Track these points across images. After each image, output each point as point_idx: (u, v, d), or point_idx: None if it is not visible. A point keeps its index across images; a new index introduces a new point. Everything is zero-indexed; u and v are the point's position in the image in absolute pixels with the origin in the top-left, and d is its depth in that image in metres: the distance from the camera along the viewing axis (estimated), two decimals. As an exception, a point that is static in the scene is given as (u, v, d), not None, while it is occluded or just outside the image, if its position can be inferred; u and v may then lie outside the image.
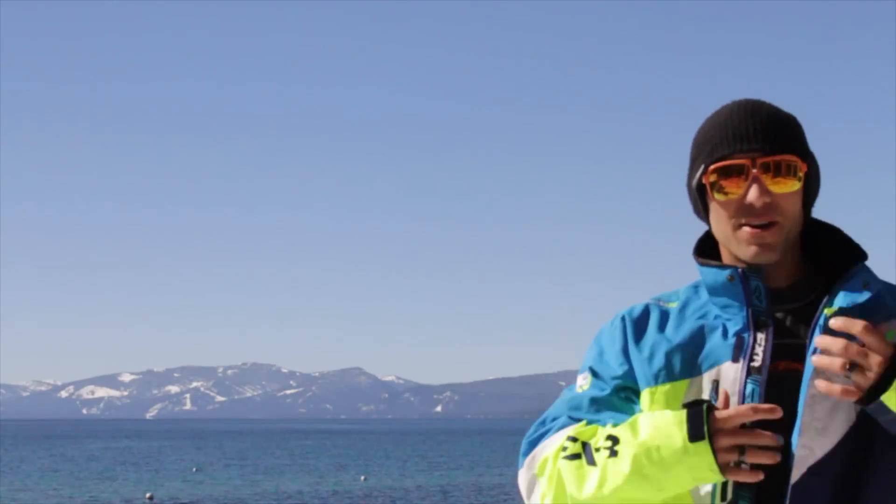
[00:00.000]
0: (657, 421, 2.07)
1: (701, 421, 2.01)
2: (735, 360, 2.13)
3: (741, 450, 2.01)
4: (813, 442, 2.02)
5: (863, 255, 2.17)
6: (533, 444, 2.23)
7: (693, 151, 2.21)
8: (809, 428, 2.03)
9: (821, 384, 1.98)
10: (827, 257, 2.21)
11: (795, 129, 2.17)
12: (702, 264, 2.21)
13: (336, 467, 58.60)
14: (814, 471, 2.02)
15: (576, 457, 2.13)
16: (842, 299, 2.09)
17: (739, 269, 2.14)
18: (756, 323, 2.14)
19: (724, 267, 2.17)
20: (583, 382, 2.27)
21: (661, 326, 2.23)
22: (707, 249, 2.26)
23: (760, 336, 2.13)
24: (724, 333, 2.17)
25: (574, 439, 2.15)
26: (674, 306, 2.25)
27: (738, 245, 2.13)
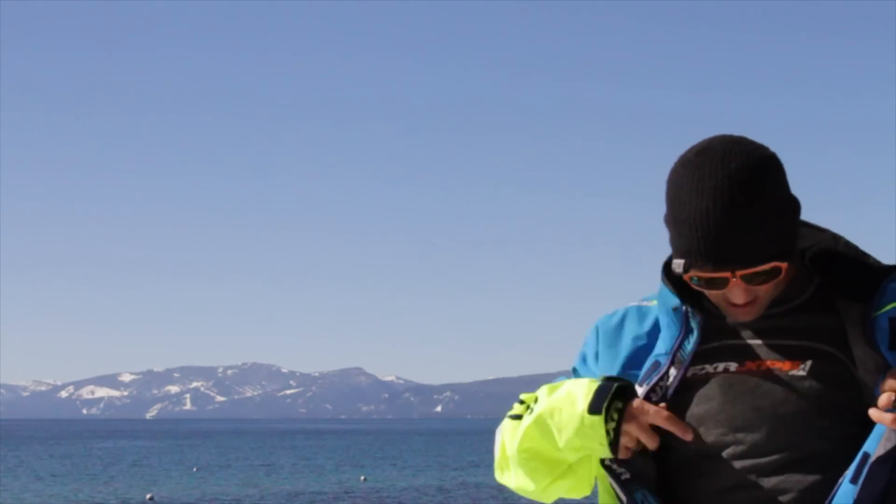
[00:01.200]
0: (573, 385, 2.16)
1: (604, 397, 2.09)
2: (640, 383, 2.18)
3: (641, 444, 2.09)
4: (887, 441, 2.02)
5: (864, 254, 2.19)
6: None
7: (667, 220, 2.15)
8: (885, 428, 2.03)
9: (872, 412, 2.00)
10: (817, 256, 2.20)
11: (773, 217, 2.07)
12: (662, 281, 2.24)
13: (336, 467, 58.61)
14: (882, 460, 2.02)
15: (517, 417, 2.23)
16: None
17: (685, 308, 2.18)
18: (674, 358, 2.17)
19: (674, 295, 2.20)
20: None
21: (639, 326, 2.27)
22: None
23: (673, 371, 2.17)
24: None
25: (521, 402, 2.25)
26: (654, 304, 2.28)
27: (721, 309, 2.16)
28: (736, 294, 2.09)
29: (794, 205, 2.13)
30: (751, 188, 2.04)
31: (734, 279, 2.06)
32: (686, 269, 2.10)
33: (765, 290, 2.10)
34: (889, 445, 2.01)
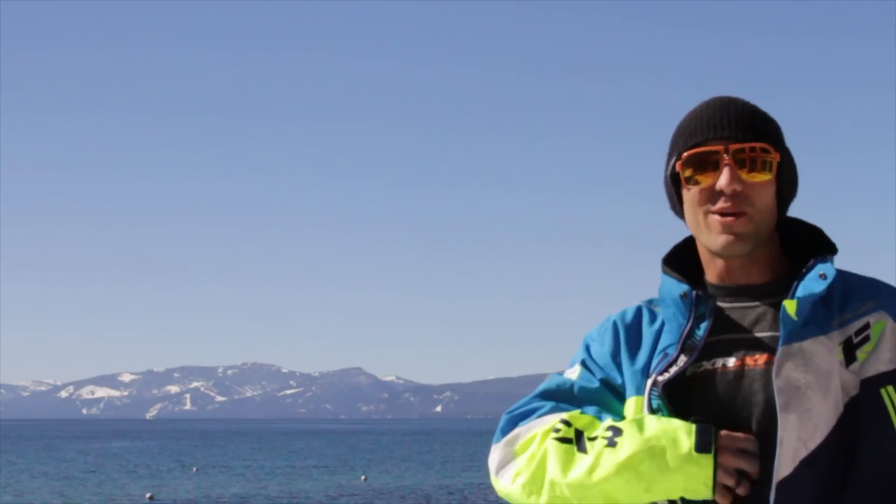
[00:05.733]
0: (665, 424, 2.05)
1: (710, 436, 2.01)
2: (651, 374, 2.16)
3: (740, 475, 2.01)
4: (804, 433, 2.01)
5: (831, 249, 2.17)
6: (515, 420, 2.22)
7: (669, 145, 2.21)
8: (800, 419, 2.02)
9: None
10: (809, 255, 2.20)
11: (770, 122, 2.17)
12: (664, 272, 2.23)
13: (336, 467, 58.58)
14: (807, 462, 2.01)
15: (566, 441, 2.11)
16: (800, 291, 2.08)
17: (694, 292, 2.16)
18: (684, 346, 2.14)
19: (681, 282, 2.18)
20: (572, 373, 2.27)
21: (652, 325, 2.25)
22: (683, 257, 2.27)
23: (683, 357, 2.13)
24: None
25: (568, 423, 2.13)
26: (661, 310, 2.26)
27: (709, 234, 2.12)
28: (724, 180, 2.08)
29: (789, 153, 2.18)
30: (751, 103, 2.19)
31: (726, 156, 2.09)
32: (681, 152, 2.14)
33: (755, 194, 2.10)
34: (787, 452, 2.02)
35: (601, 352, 2.26)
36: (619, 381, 2.22)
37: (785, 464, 2.00)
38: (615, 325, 2.28)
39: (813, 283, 2.09)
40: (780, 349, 2.04)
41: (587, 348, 2.29)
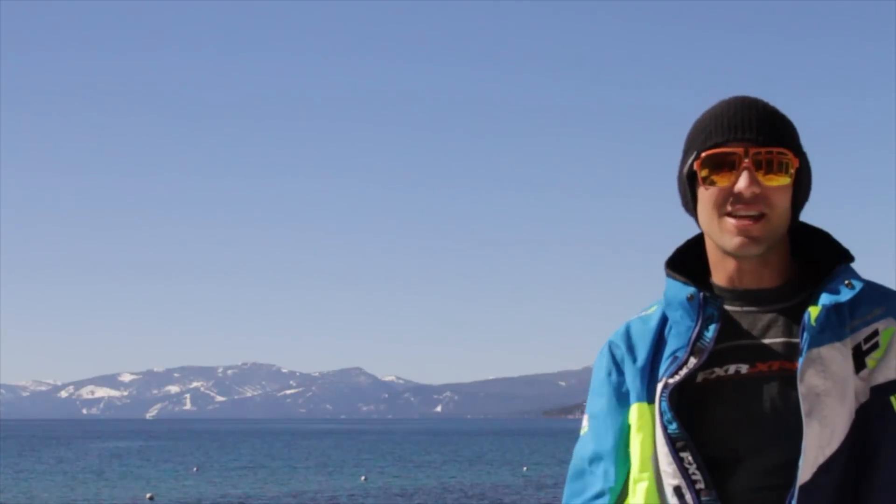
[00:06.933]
0: None
1: None
2: (660, 378, 2.16)
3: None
4: (822, 440, 2.02)
5: (848, 257, 2.18)
6: None
7: (686, 142, 2.20)
8: (820, 426, 2.03)
9: None
10: (816, 260, 2.21)
11: (790, 126, 2.16)
12: (669, 275, 2.23)
13: (336, 467, 58.58)
14: (824, 469, 2.02)
15: None
16: (825, 298, 2.08)
17: (701, 294, 2.16)
18: (694, 348, 2.13)
19: (687, 284, 2.18)
20: (584, 424, 2.30)
21: (645, 329, 2.26)
22: (686, 259, 2.26)
23: (693, 360, 2.12)
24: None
25: None
26: (653, 311, 2.27)
27: (723, 235, 2.11)
28: (743, 183, 2.07)
29: (806, 158, 2.18)
30: (771, 104, 2.18)
31: (746, 160, 2.08)
32: (699, 152, 2.13)
33: (773, 196, 2.09)
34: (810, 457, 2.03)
35: (597, 380, 2.29)
36: (618, 399, 2.23)
37: (806, 470, 2.01)
38: (609, 346, 2.29)
39: (838, 291, 2.09)
40: (803, 355, 2.04)
41: (590, 388, 2.32)
